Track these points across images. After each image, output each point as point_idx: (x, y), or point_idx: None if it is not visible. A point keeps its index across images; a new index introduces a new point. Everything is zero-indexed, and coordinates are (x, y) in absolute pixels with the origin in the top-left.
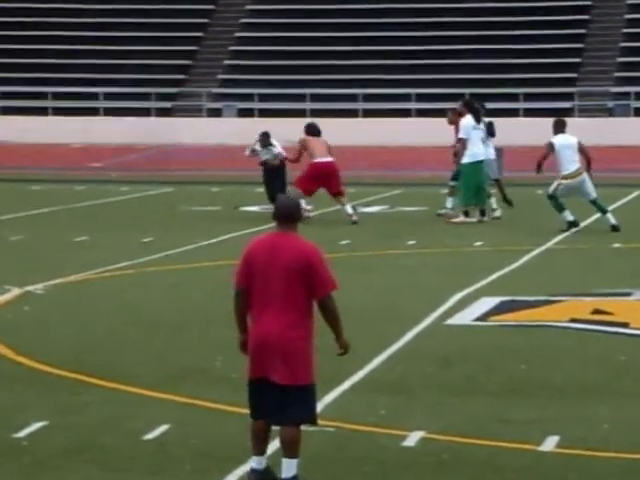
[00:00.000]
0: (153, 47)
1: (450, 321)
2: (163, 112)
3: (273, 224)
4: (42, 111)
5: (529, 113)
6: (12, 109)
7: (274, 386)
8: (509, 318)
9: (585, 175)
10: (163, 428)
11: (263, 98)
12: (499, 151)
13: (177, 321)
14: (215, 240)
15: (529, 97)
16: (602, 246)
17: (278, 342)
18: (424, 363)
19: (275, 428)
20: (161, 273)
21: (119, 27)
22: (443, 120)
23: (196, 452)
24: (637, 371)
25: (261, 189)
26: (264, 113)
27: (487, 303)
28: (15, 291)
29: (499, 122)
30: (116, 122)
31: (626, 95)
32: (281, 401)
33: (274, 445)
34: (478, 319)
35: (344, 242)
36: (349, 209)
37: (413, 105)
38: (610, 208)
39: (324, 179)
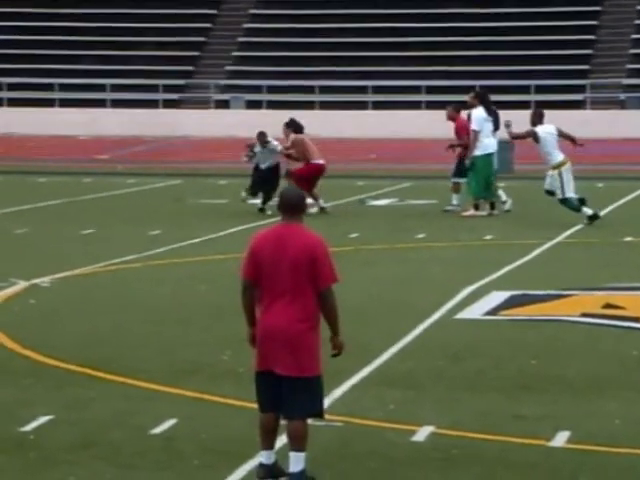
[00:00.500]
0: (160, 38)
1: (460, 315)
2: (170, 104)
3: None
4: (49, 103)
5: (540, 105)
6: (19, 101)
7: (280, 378)
8: (520, 312)
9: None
10: (171, 423)
11: (271, 90)
12: (510, 144)
13: (184, 315)
14: (223, 233)
15: (540, 89)
16: (613, 240)
17: (285, 334)
18: (434, 357)
19: (283, 423)
20: (168, 266)
21: (127, 18)
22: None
23: (204, 447)
24: None
25: None
26: (272, 105)
27: (497, 297)
28: (21, 284)
29: (510, 114)
30: (123, 114)
31: (638, 87)
32: (287, 393)
33: (282, 440)
34: (488, 313)
35: (353, 235)
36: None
37: (423, 97)
38: (622, 201)
39: (317, 180)
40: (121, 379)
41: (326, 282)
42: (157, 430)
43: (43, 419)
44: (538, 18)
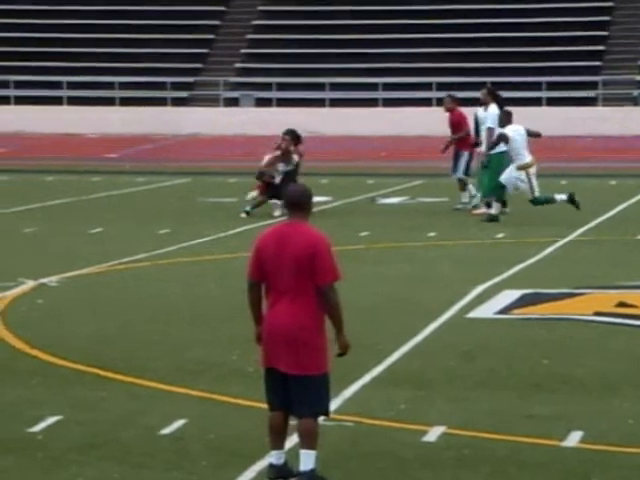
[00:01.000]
0: (169, 35)
1: (471, 314)
2: (179, 102)
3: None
4: (57, 101)
5: (552, 102)
6: (26, 99)
7: (285, 376)
8: (532, 311)
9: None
10: (180, 423)
11: (281, 87)
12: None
13: (193, 314)
14: (232, 232)
15: (552, 86)
16: (626, 238)
17: (287, 332)
18: (445, 357)
19: (293, 423)
20: (177, 265)
21: (135, 15)
22: (466, 110)
23: (213, 447)
24: None
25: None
26: (282, 103)
27: (509, 296)
28: (29, 284)
29: (521, 111)
30: (132, 112)
31: None
32: (293, 391)
33: (293, 440)
34: (500, 312)
35: (364, 234)
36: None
37: (434, 94)
38: (634, 199)
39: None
40: (130, 379)
41: (326, 279)
42: (166, 430)
43: (51, 419)
44: (550, 14)
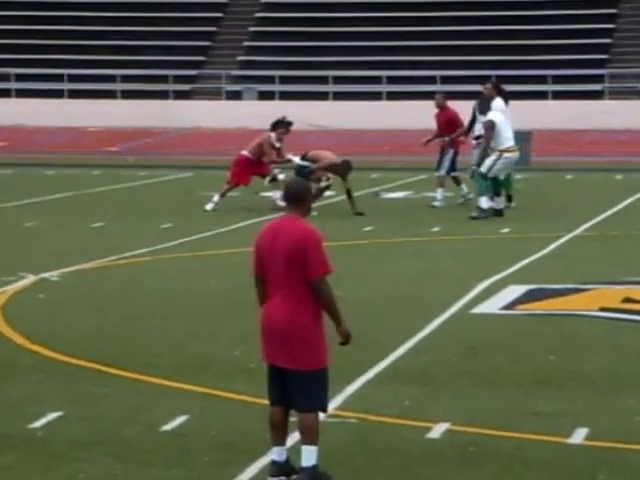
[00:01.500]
0: (171, 28)
1: (476, 310)
2: (181, 95)
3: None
4: (57, 94)
5: (558, 96)
6: (27, 91)
7: (283, 371)
8: (537, 307)
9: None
10: (182, 419)
11: (284, 80)
12: (527, 135)
13: (196, 310)
14: (234, 226)
15: (558, 79)
16: (633, 233)
17: (282, 328)
18: (449, 353)
19: (293, 420)
20: (179, 260)
21: (137, 8)
22: (470, 103)
23: (216, 444)
24: None
25: (282, 175)
26: (285, 96)
27: (514, 291)
28: (30, 278)
29: (527, 105)
30: (134, 105)
31: None
32: (289, 386)
33: (295, 437)
34: (505, 308)
35: (367, 229)
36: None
37: (438, 87)
38: None
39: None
40: (132, 375)
41: (316, 273)
42: (168, 426)
43: (52, 415)
44: (555, 6)
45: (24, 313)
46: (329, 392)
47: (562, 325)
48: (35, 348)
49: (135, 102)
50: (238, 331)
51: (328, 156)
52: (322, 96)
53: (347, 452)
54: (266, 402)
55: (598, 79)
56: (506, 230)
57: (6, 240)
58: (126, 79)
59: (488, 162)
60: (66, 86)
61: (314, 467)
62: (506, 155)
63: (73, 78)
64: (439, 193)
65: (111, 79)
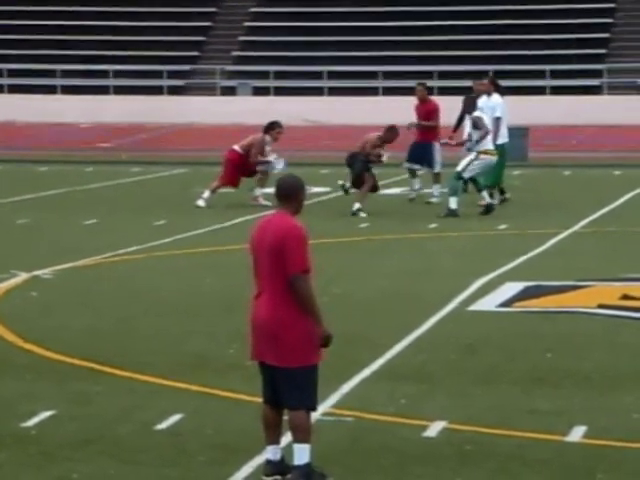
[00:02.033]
0: (165, 23)
1: (473, 307)
2: (175, 90)
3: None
4: (50, 89)
5: (556, 91)
6: (19, 87)
7: (271, 369)
8: (534, 304)
9: None
10: (176, 418)
11: (279, 76)
12: (525, 130)
13: (190, 307)
14: (229, 223)
15: (556, 74)
16: (631, 229)
17: (266, 324)
18: (446, 351)
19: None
20: (173, 258)
21: (130, 2)
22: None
23: (210, 443)
24: None
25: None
26: (280, 91)
27: (511, 288)
28: (22, 276)
29: (525, 100)
30: (127, 101)
31: None
32: (279, 384)
33: (290, 436)
34: (502, 305)
35: (363, 225)
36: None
37: (435, 83)
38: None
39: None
40: (125, 373)
41: (294, 268)
42: (162, 425)
43: (45, 414)
44: (553, 1)
45: (16, 311)
46: (324, 391)
47: (560, 322)
48: (28, 346)
49: (128, 98)
50: (233, 329)
51: (368, 137)
52: (317, 91)
53: (343, 451)
54: (261, 400)
55: (596, 74)
56: (503, 226)
57: None
58: (119, 75)
59: (464, 161)
60: (58, 82)
61: (307, 465)
62: (483, 157)
63: (65, 74)
64: (435, 189)
65: (104, 75)
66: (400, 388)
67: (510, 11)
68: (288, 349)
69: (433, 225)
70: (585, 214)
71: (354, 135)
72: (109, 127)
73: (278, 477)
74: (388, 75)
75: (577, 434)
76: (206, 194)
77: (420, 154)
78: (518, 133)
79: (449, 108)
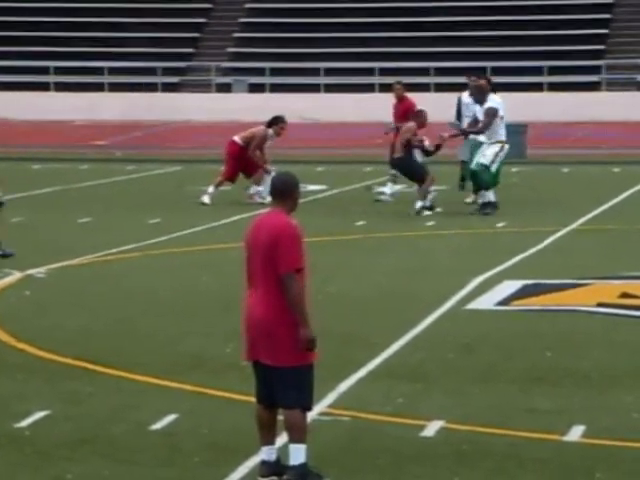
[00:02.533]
0: (160, 19)
1: (471, 305)
2: (170, 87)
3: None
4: (44, 86)
5: (554, 87)
6: (12, 84)
7: (265, 368)
8: (533, 302)
9: None
10: (171, 418)
11: (275, 72)
12: (523, 127)
13: (185, 306)
14: (224, 221)
15: (554, 70)
16: (630, 227)
17: (262, 325)
18: (444, 349)
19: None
20: (168, 256)
21: None
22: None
23: (205, 443)
24: None
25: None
26: (276, 88)
27: (510, 287)
28: (16, 275)
29: (522, 97)
30: (121, 98)
31: None
32: (274, 384)
33: (285, 436)
34: (500, 303)
35: (360, 223)
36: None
37: (432, 79)
38: (638, 187)
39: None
40: (120, 373)
41: (286, 267)
42: (157, 425)
43: (39, 414)
44: None
45: (10, 310)
46: (320, 390)
47: (558, 321)
48: (21, 346)
49: (123, 95)
50: (230, 328)
51: (404, 127)
52: (313, 88)
53: (339, 451)
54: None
55: (595, 70)
56: (501, 224)
57: None
58: (114, 71)
59: (489, 154)
60: (52, 79)
61: (302, 465)
62: (505, 147)
63: (59, 71)
64: (388, 188)
65: (98, 71)
66: (397, 387)
67: (507, 7)
68: (284, 348)
69: (430, 223)
70: (584, 211)
71: (350, 133)
72: (103, 124)
73: (274, 478)
74: (384, 72)
75: (576, 433)
76: (210, 189)
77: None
78: (516, 130)
79: (446, 105)
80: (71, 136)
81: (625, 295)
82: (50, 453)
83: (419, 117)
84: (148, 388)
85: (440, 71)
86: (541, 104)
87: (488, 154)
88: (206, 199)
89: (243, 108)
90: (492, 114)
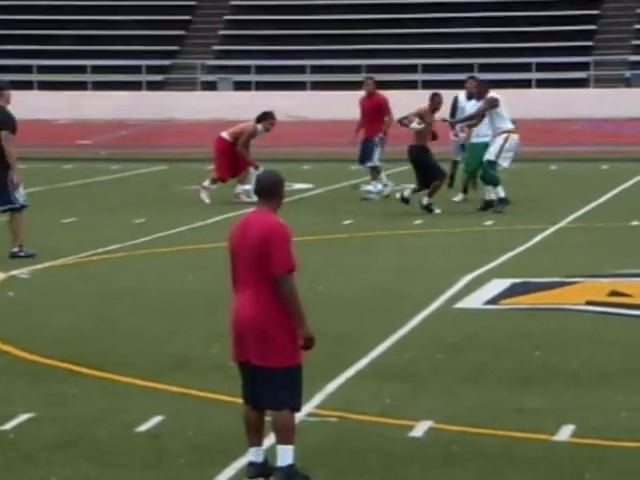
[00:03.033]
0: (144, 17)
1: (460, 305)
2: (155, 86)
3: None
4: (27, 85)
5: (542, 84)
6: None
7: (252, 369)
8: (522, 301)
9: None
10: (157, 420)
11: (261, 70)
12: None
13: (171, 307)
14: (210, 221)
15: (542, 67)
16: (619, 224)
17: (250, 324)
18: (432, 349)
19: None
20: (154, 256)
21: None
22: (452, 92)
23: (192, 445)
24: None
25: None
26: (262, 86)
27: (498, 285)
28: (0, 276)
29: (510, 94)
30: (105, 97)
31: None
32: (262, 384)
33: (273, 437)
34: (489, 302)
35: (347, 222)
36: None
37: (420, 76)
38: (627, 184)
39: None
40: (105, 374)
41: (279, 267)
42: (143, 427)
43: (23, 417)
44: None
45: None
46: (309, 390)
47: (547, 319)
48: (5, 348)
49: (107, 93)
50: (215, 328)
51: (419, 110)
52: (300, 86)
53: (327, 452)
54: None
55: (583, 67)
56: (490, 222)
57: None
58: (97, 70)
59: (493, 149)
60: (35, 77)
61: (290, 467)
62: (512, 138)
63: (42, 69)
64: (373, 186)
65: (82, 70)
66: (385, 387)
67: (495, 4)
68: (275, 349)
69: (418, 222)
70: (572, 209)
71: (337, 130)
72: (88, 124)
73: (262, 479)
74: (371, 69)
75: (565, 433)
76: (206, 183)
77: (362, 151)
78: None
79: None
80: (55, 135)
81: (614, 293)
82: (35, 456)
83: (434, 101)
84: (133, 389)
85: (427, 68)
86: (529, 101)
87: (492, 150)
88: (206, 199)
89: (229, 106)
90: (491, 102)
